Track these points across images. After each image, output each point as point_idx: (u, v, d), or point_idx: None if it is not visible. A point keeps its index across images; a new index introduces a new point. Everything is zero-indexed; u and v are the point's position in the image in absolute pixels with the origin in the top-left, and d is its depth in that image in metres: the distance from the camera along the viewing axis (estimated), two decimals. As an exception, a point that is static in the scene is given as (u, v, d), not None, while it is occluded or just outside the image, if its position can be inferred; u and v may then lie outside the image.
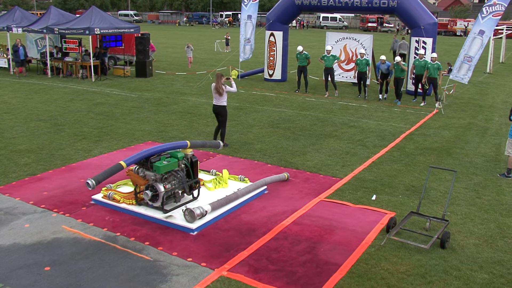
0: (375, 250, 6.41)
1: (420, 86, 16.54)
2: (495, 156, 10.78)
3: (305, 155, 10.54)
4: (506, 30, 30.82)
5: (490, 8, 15.50)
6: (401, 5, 17.24)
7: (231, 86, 10.79)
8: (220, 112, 10.87)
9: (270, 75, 20.77)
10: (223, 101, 10.77)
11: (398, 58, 16.23)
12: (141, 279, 5.65)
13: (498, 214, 7.70)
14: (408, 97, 17.33)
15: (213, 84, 10.74)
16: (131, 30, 21.53)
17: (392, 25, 70.06)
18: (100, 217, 7.25)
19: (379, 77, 17.55)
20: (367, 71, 17.03)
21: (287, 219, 7.33)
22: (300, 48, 18.10)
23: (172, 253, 6.25)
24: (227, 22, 78.54)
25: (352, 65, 19.29)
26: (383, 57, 16.79)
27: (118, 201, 7.57)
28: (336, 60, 17.80)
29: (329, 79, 17.63)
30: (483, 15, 15.64)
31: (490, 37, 22.61)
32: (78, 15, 25.83)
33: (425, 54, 16.36)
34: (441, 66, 16.11)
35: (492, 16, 15.50)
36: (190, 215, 6.93)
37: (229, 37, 36.77)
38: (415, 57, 17.07)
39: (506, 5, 15.36)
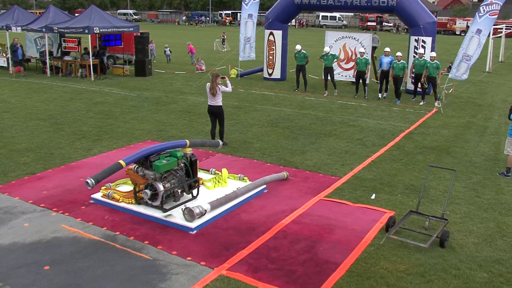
0: (374, 249, 6.42)
1: (419, 85, 16.55)
2: (494, 155, 10.79)
3: (305, 154, 10.54)
4: (506, 29, 30.80)
5: (487, 7, 15.56)
6: (401, 4, 17.23)
7: (226, 86, 10.74)
8: (217, 112, 10.81)
9: (270, 74, 20.76)
10: (218, 101, 10.70)
11: (399, 53, 16.22)
12: (141, 278, 5.65)
13: (497, 213, 7.71)
14: (408, 96, 17.33)
15: (208, 84, 10.71)
16: (130, 29, 21.50)
17: (391, 24, 70.01)
18: (99, 216, 7.25)
19: (378, 71, 17.53)
20: (366, 70, 17.02)
21: (286, 218, 7.33)
22: (298, 47, 18.08)
23: (172, 252, 6.25)
24: (210, 20, 78.88)
25: (351, 64, 19.29)
26: (387, 49, 16.75)
27: (118, 200, 7.57)
28: (335, 59, 17.80)
29: (329, 78, 17.63)
30: (480, 14, 15.69)
31: (489, 36, 22.65)
32: (77, 14, 25.80)
33: (424, 53, 16.36)
34: (440, 65, 16.11)
35: (489, 15, 15.56)
36: (190, 214, 6.93)
37: (225, 36, 36.93)
38: (414, 56, 17.07)
39: (501, 4, 15.41)
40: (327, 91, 17.88)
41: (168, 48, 27.35)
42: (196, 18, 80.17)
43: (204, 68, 23.98)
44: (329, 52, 17.52)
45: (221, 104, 10.78)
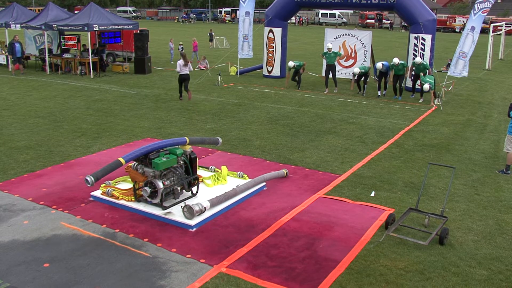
0: (374, 247, 6.43)
1: (418, 82, 16.55)
2: (494, 153, 10.79)
3: (304, 152, 10.54)
4: (505, 26, 30.77)
5: (481, 4, 15.72)
6: (400, 2, 17.21)
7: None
8: (187, 78, 15.48)
9: (269, 72, 20.74)
10: (188, 71, 15.39)
11: (396, 60, 16.16)
12: (140, 275, 5.65)
13: (497, 210, 7.72)
14: (407, 93, 17.32)
15: (179, 61, 15.34)
16: (130, 27, 21.49)
17: (390, 22, 69.89)
18: (99, 214, 7.25)
19: (376, 78, 17.56)
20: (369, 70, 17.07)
21: (286, 216, 7.33)
22: (291, 63, 17.95)
23: (171, 249, 6.25)
24: (194, 18, 79.40)
25: (351, 61, 19.28)
26: (379, 65, 16.70)
27: (117, 198, 7.57)
28: (337, 56, 17.79)
29: (330, 76, 17.60)
30: (474, 12, 15.87)
31: (489, 34, 22.63)
32: (76, 12, 25.75)
33: (422, 60, 16.38)
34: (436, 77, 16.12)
35: (481, 12, 15.76)
36: (189, 211, 6.93)
37: (213, 33, 37.14)
38: (413, 58, 17.11)
39: (492, 2, 15.61)
40: (327, 89, 17.86)
41: (182, 46, 27.12)
42: (184, 15, 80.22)
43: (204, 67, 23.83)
44: (331, 49, 17.49)
45: (188, 72, 15.45)
